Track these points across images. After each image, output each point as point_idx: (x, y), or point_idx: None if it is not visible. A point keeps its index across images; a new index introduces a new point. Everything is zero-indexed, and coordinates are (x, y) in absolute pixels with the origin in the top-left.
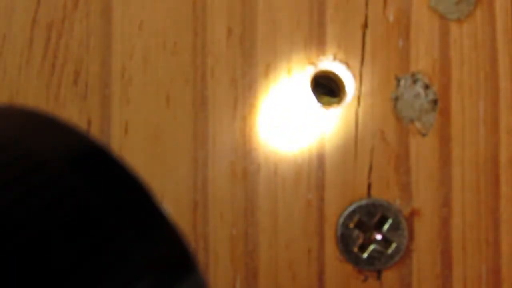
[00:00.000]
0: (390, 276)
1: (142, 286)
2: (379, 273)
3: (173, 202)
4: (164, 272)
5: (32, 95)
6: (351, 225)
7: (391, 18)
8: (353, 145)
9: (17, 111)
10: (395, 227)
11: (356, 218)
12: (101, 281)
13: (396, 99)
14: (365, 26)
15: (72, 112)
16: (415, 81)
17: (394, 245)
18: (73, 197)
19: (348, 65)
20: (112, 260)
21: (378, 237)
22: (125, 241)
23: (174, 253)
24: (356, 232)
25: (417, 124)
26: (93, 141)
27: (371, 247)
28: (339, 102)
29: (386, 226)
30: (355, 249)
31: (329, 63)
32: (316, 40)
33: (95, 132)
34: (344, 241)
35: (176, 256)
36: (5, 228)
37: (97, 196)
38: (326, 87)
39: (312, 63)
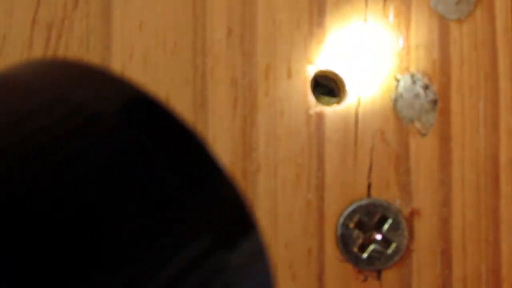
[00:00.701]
0: (390, 276)
1: (204, 242)
2: (379, 273)
3: None
4: (225, 229)
5: None
6: (351, 225)
7: (391, 18)
8: (353, 145)
9: (62, 63)
10: (395, 227)
11: (356, 218)
12: (165, 236)
13: (396, 99)
14: (365, 26)
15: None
16: (415, 81)
17: (394, 245)
18: (133, 152)
19: (348, 65)
20: (175, 216)
21: (378, 237)
22: (188, 198)
23: (234, 211)
24: (356, 232)
25: (417, 124)
26: (142, 91)
27: (371, 247)
28: (339, 102)
29: (386, 226)
30: (355, 249)
31: (329, 63)
32: (316, 40)
33: None
34: (344, 241)
35: (237, 214)
36: (72, 186)
37: (158, 149)
38: (326, 87)
39: (312, 63)
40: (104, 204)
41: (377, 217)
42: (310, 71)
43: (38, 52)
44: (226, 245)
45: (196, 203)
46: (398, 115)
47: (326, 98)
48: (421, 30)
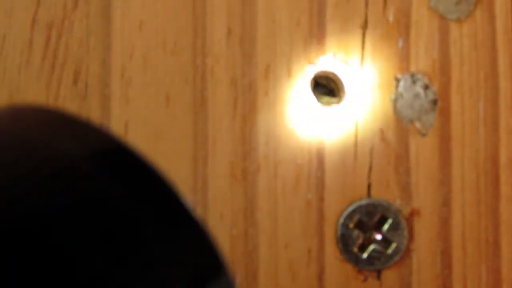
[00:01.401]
0: (390, 276)
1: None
2: (379, 273)
3: None
4: (197, 274)
5: (32, 95)
6: (351, 225)
7: (391, 18)
8: (353, 145)
9: (34, 110)
10: (395, 227)
11: (356, 218)
12: (137, 283)
13: (396, 99)
14: (365, 26)
15: (72, 112)
16: (415, 81)
17: (394, 245)
18: (105, 200)
19: (348, 65)
20: (147, 262)
21: (378, 237)
22: (159, 244)
23: (205, 255)
24: (356, 232)
25: (417, 124)
26: (115, 138)
27: (371, 247)
28: (339, 102)
29: (386, 226)
30: (355, 249)
31: (329, 63)
32: (316, 40)
33: None
34: (344, 241)
35: (208, 258)
36: (36, 231)
37: (129, 197)
38: (326, 87)
39: (312, 63)
40: (70, 250)
41: (377, 217)
42: (310, 71)
43: (38, 52)
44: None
45: (169, 249)
46: (398, 115)
47: (326, 98)
48: (421, 30)
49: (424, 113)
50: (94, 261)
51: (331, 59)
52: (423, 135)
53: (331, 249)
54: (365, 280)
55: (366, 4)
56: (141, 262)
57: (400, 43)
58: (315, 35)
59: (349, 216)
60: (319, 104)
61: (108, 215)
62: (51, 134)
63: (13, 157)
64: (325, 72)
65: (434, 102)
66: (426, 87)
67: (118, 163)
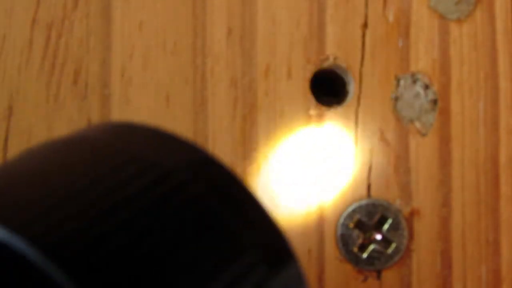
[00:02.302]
0: (390, 276)
1: (258, 272)
2: (379, 273)
3: None
4: (273, 261)
5: (32, 95)
6: (351, 225)
7: (391, 18)
8: (353, 145)
9: (139, 127)
10: (395, 227)
11: (356, 218)
12: (223, 268)
13: (396, 99)
14: (365, 26)
15: (72, 112)
16: (415, 81)
17: (394, 245)
18: (197, 203)
19: (348, 65)
20: (231, 252)
21: (378, 237)
22: (243, 238)
23: (280, 245)
24: (356, 232)
25: (417, 124)
26: (205, 152)
27: (371, 247)
28: (339, 102)
29: (386, 226)
30: (355, 249)
31: (329, 63)
32: (316, 40)
33: None
34: (344, 241)
35: (282, 247)
36: (140, 234)
37: (218, 201)
38: (326, 87)
39: (312, 63)
40: (168, 246)
41: (377, 217)
42: (310, 71)
43: (38, 52)
44: (275, 273)
45: (251, 242)
46: (398, 115)
47: (326, 98)
48: (421, 30)
49: (424, 113)
50: (187, 251)
51: (331, 59)
52: (423, 135)
53: (331, 249)
54: (365, 280)
55: (366, 4)
56: (233, 250)
57: (400, 43)
58: (315, 35)
59: (349, 216)
60: (319, 104)
61: (198, 215)
62: (151, 147)
63: (113, 166)
64: (325, 72)
65: (434, 102)
66: (426, 87)
67: (207, 173)
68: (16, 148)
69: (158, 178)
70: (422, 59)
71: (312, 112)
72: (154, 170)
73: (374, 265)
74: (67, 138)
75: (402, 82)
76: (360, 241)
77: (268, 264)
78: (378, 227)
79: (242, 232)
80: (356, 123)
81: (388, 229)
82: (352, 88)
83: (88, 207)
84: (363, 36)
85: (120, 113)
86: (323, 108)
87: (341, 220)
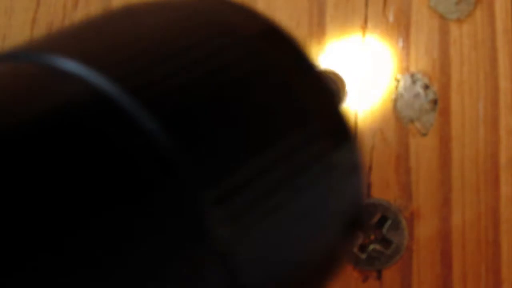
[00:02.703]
0: (390, 276)
1: (322, 142)
2: (379, 273)
3: None
4: (336, 135)
5: None
6: None
7: (391, 18)
8: None
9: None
10: (395, 227)
11: None
12: (286, 135)
13: (396, 99)
14: (365, 26)
15: None
16: (415, 81)
17: (394, 245)
18: (260, 56)
19: (348, 65)
20: (299, 116)
21: (378, 237)
22: (309, 102)
23: (343, 122)
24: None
25: (417, 124)
26: (273, 22)
27: (371, 247)
28: (339, 102)
29: (386, 226)
30: (355, 249)
31: (329, 63)
32: (316, 40)
33: None
34: None
35: (345, 125)
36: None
37: (281, 57)
38: None
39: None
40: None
41: (377, 217)
42: None
43: None
44: (338, 148)
45: (318, 108)
46: (398, 115)
47: None
48: (421, 30)
49: (424, 113)
50: (253, 99)
51: (331, 59)
52: (423, 135)
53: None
54: (365, 280)
55: (366, 4)
56: (289, 117)
57: (400, 43)
58: (315, 35)
59: None
60: None
61: (260, 66)
62: (229, 12)
63: (213, 34)
64: (325, 72)
65: (434, 102)
66: (426, 87)
67: (273, 35)
68: None
69: (229, 32)
70: (422, 59)
71: None
72: (244, 43)
73: (374, 265)
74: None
75: (402, 82)
76: (360, 241)
77: (333, 139)
78: (378, 227)
79: (311, 105)
80: (356, 123)
81: (388, 229)
82: (352, 88)
83: (188, 67)
84: (363, 36)
85: None
86: None
87: None
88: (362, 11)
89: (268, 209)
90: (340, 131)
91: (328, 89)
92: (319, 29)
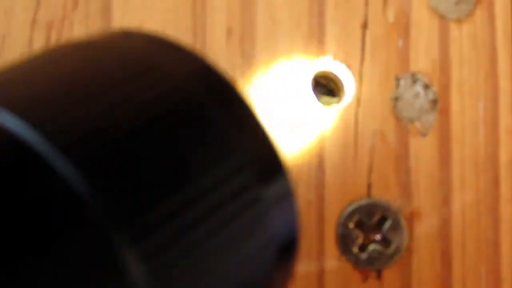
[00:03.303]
0: (390, 276)
1: (246, 175)
2: (379, 273)
3: None
4: (263, 167)
5: None
6: (351, 225)
7: (391, 18)
8: (353, 145)
9: (142, 35)
10: (395, 227)
11: (356, 218)
12: (211, 167)
13: (396, 99)
14: (365, 26)
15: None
16: (415, 81)
17: (394, 245)
18: (193, 101)
19: (348, 65)
20: (220, 151)
21: (378, 237)
22: (232, 137)
23: (270, 153)
24: (356, 232)
25: (417, 124)
26: (206, 61)
27: (371, 247)
28: (338, 102)
29: (386, 226)
30: (355, 249)
31: (329, 63)
32: (316, 40)
33: None
34: (344, 241)
35: (272, 156)
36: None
37: (212, 100)
38: (326, 87)
39: (312, 63)
40: (162, 131)
41: (377, 217)
42: (310, 71)
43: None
44: (263, 180)
45: (241, 142)
46: (398, 115)
47: (326, 98)
48: (421, 30)
49: (424, 113)
50: (174, 142)
51: (331, 59)
52: (423, 135)
53: (331, 249)
54: (365, 280)
55: (366, 4)
56: (215, 149)
57: (400, 43)
58: (315, 35)
59: (349, 216)
60: (319, 104)
61: (193, 109)
62: (153, 53)
63: (131, 74)
64: (325, 72)
65: (434, 102)
66: (426, 87)
67: (206, 77)
68: None
69: (169, 89)
70: (422, 59)
71: (312, 112)
72: (167, 80)
73: (374, 265)
74: (88, 41)
75: (402, 82)
76: (360, 241)
77: (258, 172)
78: (378, 227)
79: (236, 137)
80: (356, 123)
81: (388, 229)
82: (352, 88)
83: (106, 109)
84: (363, 36)
85: None
86: (323, 108)
87: (341, 220)
88: (362, 11)
89: (187, 245)
90: (267, 163)
91: (258, 123)
92: (319, 29)
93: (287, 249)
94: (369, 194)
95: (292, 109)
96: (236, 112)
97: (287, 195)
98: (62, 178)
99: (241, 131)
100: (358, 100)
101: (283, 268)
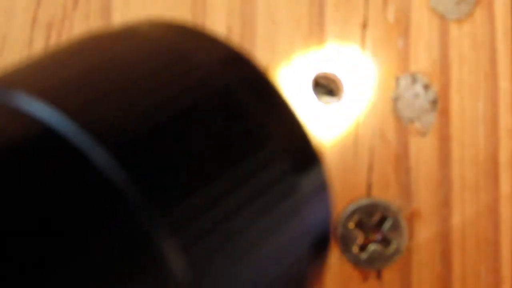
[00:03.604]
0: (390, 276)
1: (280, 165)
2: (379, 273)
3: None
4: (298, 157)
5: None
6: (351, 225)
7: (391, 18)
8: (353, 144)
9: (169, 24)
10: (395, 227)
11: (356, 218)
12: (247, 156)
13: (396, 99)
14: (365, 26)
15: None
16: (415, 81)
17: (394, 245)
18: (226, 92)
19: (348, 65)
20: (255, 140)
21: (378, 237)
22: (267, 126)
23: (306, 144)
24: (356, 232)
25: (417, 124)
26: (236, 49)
27: (371, 247)
28: (339, 101)
29: (386, 226)
30: (355, 249)
31: (329, 63)
32: (316, 40)
33: None
34: (344, 241)
35: (308, 147)
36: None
37: (246, 90)
38: (326, 87)
39: (312, 63)
40: (196, 124)
41: (377, 217)
42: (310, 71)
43: (38, 52)
44: (299, 170)
45: (277, 132)
46: (398, 115)
47: (326, 98)
48: (421, 30)
49: (424, 113)
50: (211, 134)
51: (331, 59)
52: (423, 135)
53: (331, 249)
54: (365, 280)
55: (366, 4)
56: (253, 140)
57: (400, 43)
58: (315, 35)
59: (349, 216)
60: (319, 104)
61: (226, 101)
62: (186, 42)
63: (164, 63)
64: (325, 72)
65: (434, 102)
66: (426, 87)
67: (235, 65)
68: None
69: (203, 78)
70: (422, 59)
71: (312, 112)
72: (200, 68)
73: (374, 265)
74: (116, 31)
75: (402, 82)
76: (360, 241)
77: (294, 161)
78: (378, 227)
79: (271, 127)
80: (356, 123)
81: (388, 229)
82: (352, 88)
83: (140, 98)
84: (363, 36)
85: None
86: (323, 108)
87: (341, 220)
88: (362, 11)
89: (225, 235)
90: (303, 153)
91: (292, 112)
92: (319, 29)
93: (321, 242)
94: (369, 194)
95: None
96: (270, 101)
97: (323, 188)
98: (98, 168)
99: (275, 121)
100: (358, 100)
101: (316, 261)
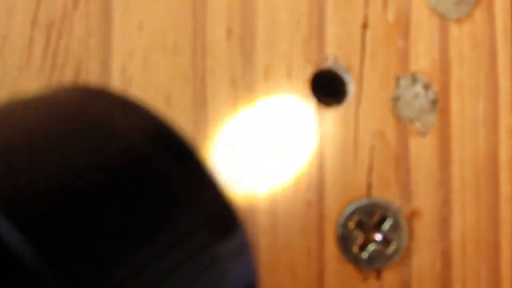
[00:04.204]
0: (390, 276)
1: (201, 234)
2: (379, 273)
3: None
4: (219, 225)
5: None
6: (351, 225)
7: (391, 18)
8: (353, 145)
9: (103, 93)
10: (395, 227)
11: (356, 218)
12: (167, 226)
13: (396, 99)
14: (365, 26)
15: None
16: (415, 81)
17: (394, 245)
18: (147, 162)
19: (348, 65)
20: (177, 211)
21: (378, 237)
22: (188, 196)
23: (226, 209)
24: (356, 232)
25: (417, 124)
26: (161, 120)
27: (371, 247)
28: (339, 102)
29: (386, 226)
30: (355, 249)
31: (329, 63)
32: (316, 40)
33: None
34: (344, 241)
35: (228, 211)
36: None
37: (165, 159)
38: (326, 87)
39: (312, 63)
40: (112, 201)
41: (377, 217)
42: (310, 71)
43: (38, 52)
44: (219, 238)
45: (196, 201)
46: (398, 115)
47: (326, 98)
48: (421, 30)
49: (424, 113)
50: (130, 207)
51: (331, 59)
52: (423, 135)
53: (331, 249)
54: (365, 280)
55: (366, 4)
56: (173, 211)
57: (400, 43)
58: (315, 35)
59: (349, 216)
60: (319, 104)
61: (146, 172)
62: (114, 114)
63: (77, 132)
64: (325, 72)
65: (434, 102)
66: (426, 87)
67: (159, 137)
68: None
69: (120, 148)
70: (422, 59)
71: (312, 112)
72: (118, 140)
73: (374, 265)
74: (38, 97)
75: (402, 82)
76: (360, 241)
77: (212, 229)
78: (378, 227)
79: (188, 196)
80: (356, 123)
81: (388, 229)
82: (352, 88)
83: (51, 173)
84: (363, 36)
85: None
86: (323, 108)
87: (341, 220)
88: (362, 11)
89: None
90: (222, 219)
91: (212, 181)
92: (319, 29)
93: None
94: (369, 194)
95: (292, 110)
96: (190, 171)
97: (245, 248)
98: (6, 244)
99: (195, 190)
100: (358, 100)
101: None
